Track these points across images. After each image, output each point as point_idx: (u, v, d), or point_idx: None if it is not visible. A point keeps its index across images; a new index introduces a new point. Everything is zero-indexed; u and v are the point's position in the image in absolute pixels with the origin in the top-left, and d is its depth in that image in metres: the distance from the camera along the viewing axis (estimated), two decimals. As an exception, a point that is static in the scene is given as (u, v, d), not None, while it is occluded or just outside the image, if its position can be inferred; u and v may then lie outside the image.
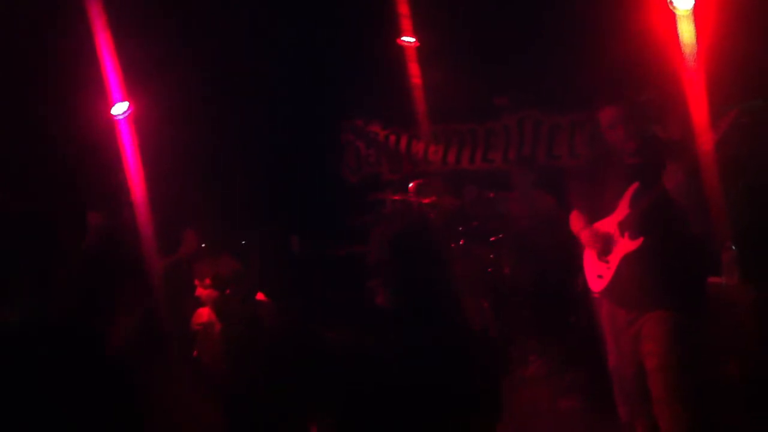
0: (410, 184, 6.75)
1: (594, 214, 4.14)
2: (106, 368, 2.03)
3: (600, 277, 4.08)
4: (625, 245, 3.92)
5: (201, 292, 4.09)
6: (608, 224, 4.03)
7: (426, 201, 6.52)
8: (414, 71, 7.29)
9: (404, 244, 2.19)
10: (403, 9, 7.02)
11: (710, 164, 3.83)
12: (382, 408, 2.02)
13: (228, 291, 4.05)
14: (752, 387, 4.29)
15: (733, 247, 4.79)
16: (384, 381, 2.03)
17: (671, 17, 4.65)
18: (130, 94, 5.41)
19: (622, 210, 3.95)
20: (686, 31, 4.61)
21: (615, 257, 3.98)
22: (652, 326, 3.82)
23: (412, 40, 7.19)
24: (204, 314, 4.13)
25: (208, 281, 4.04)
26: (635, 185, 3.89)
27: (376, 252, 2.21)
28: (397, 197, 7.10)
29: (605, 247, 4.04)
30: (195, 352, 4.17)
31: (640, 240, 3.86)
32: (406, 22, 7.06)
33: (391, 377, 2.02)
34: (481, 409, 2.08)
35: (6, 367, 1.94)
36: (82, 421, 1.95)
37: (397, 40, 7.20)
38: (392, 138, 8.49)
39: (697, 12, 4.59)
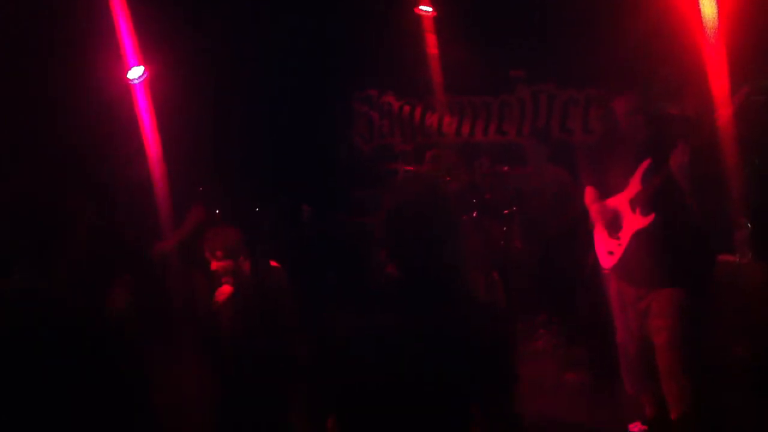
0: (426, 155, 6.73)
1: (605, 190, 4.15)
2: (103, 340, 2.05)
3: (611, 253, 4.10)
4: (637, 221, 3.93)
5: (216, 265, 4.06)
6: (619, 201, 4.04)
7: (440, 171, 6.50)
8: (430, 42, 7.22)
9: (409, 214, 2.14)
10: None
11: (725, 141, 3.80)
12: (383, 386, 2.03)
13: (241, 258, 4.06)
14: (762, 364, 4.29)
15: (748, 225, 4.78)
16: (384, 357, 2.03)
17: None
18: (146, 59, 5.39)
19: (634, 187, 3.95)
20: (707, 8, 4.56)
21: (626, 234, 3.99)
22: (661, 303, 3.85)
23: (429, 9, 7.13)
24: (226, 290, 4.09)
25: (220, 253, 4.02)
26: (647, 162, 3.89)
27: (384, 222, 2.20)
28: (409, 168, 7.11)
29: (615, 223, 4.05)
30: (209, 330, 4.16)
31: (652, 216, 3.86)
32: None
33: (391, 352, 2.02)
34: (491, 381, 2.08)
35: (3, 338, 1.97)
36: (79, 391, 1.97)
37: (415, 9, 7.14)
38: (406, 109, 8.46)
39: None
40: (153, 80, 5.45)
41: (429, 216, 2.13)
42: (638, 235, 3.93)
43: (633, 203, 3.95)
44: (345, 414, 2.13)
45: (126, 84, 5.33)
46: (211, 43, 6.39)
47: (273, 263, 4.26)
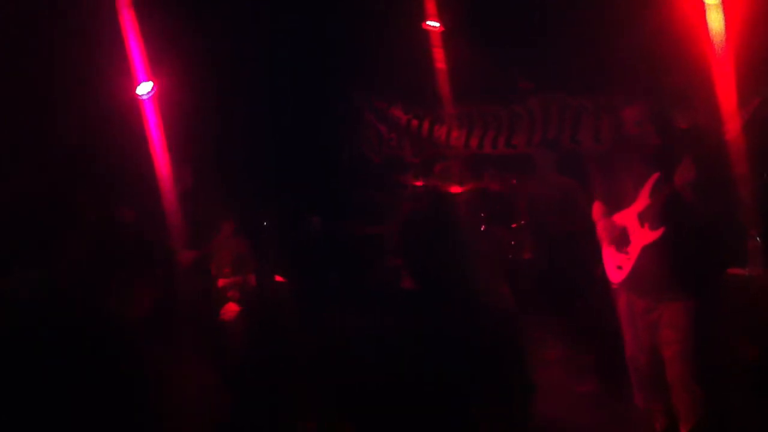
0: (435, 167, 6.73)
1: (614, 202, 4.13)
2: (103, 340, 2.04)
3: (620, 268, 4.08)
4: (646, 236, 3.91)
5: (223, 282, 4.05)
6: (628, 215, 4.02)
7: (448, 184, 6.50)
8: (437, 55, 7.23)
9: (420, 225, 2.18)
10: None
11: (734, 152, 3.80)
12: (383, 386, 2.02)
13: (248, 272, 4.06)
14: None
15: (758, 238, 4.75)
16: (395, 365, 2.02)
17: (701, 6, 4.62)
18: (146, 62, 5.41)
19: (642, 200, 3.93)
20: (715, 21, 4.57)
21: (635, 248, 3.97)
22: (671, 315, 3.82)
23: (437, 24, 7.14)
24: (233, 309, 4.08)
25: (227, 270, 4.02)
26: (656, 176, 3.87)
27: (396, 233, 2.22)
28: (418, 183, 7.11)
29: (623, 238, 4.03)
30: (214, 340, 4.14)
31: (661, 231, 3.84)
32: (430, 4, 7.00)
33: (393, 353, 2.01)
34: (493, 382, 2.07)
35: (8, 338, 1.96)
36: (79, 391, 1.96)
37: (423, 25, 7.15)
38: (414, 122, 8.47)
39: (726, 2, 4.56)
40: (162, 93, 5.48)
41: (439, 227, 2.16)
42: (647, 249, 3.90)
43: (641, 217, 3.93)
44: (345, 414, 2.12)
45: (126, 85, 5.36)
46: (211, 44, 6.40)
47: (277, 278, 4.26)
